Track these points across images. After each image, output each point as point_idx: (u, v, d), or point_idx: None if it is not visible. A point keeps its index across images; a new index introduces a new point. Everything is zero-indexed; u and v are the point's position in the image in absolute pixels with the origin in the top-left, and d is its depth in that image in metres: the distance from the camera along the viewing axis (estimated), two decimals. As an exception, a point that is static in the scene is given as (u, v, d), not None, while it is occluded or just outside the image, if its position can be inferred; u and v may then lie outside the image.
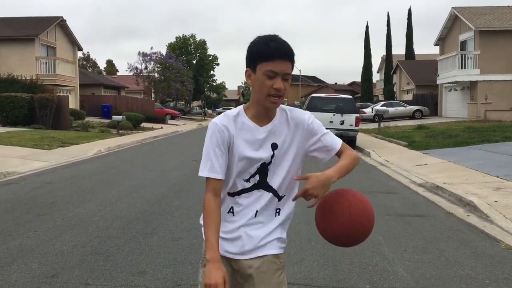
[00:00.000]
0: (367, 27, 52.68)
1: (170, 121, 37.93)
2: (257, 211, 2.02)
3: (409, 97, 41.16)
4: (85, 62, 78.09)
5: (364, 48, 52.52)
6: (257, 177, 2.02)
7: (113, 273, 4.20)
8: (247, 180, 2.02)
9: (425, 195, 8.19)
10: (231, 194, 2.04)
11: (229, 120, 2.03)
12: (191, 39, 62.59)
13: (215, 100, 78.51)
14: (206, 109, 60.29)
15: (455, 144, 14.79)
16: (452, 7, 31.77)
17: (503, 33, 27.90)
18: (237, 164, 2.00)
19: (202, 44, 63.18)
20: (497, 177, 9.07)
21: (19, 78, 24.87)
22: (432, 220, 6.36)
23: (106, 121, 27.44)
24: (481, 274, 4.28)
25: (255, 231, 2.02)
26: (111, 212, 6.58)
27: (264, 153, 2.00)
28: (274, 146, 2.01)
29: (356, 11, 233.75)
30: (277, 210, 2.07)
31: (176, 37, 62.60)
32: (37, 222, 6.01)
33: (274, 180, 2.03)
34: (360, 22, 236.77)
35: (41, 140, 16.14)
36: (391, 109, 33.15)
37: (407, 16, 48.84)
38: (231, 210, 2.05)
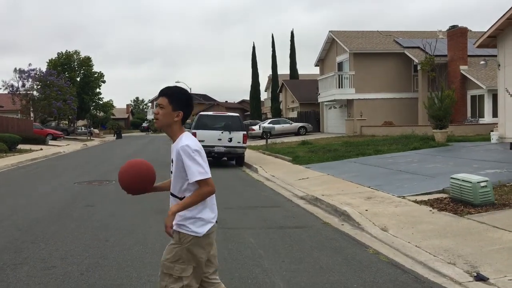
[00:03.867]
0: (253, 47, 54.49)
1: (51, 142, 35.52)
2: None
3: (295, 114, 43.24)
4: (-50, 79, 70.35)
5: (252, 67, 54.15)
6: None
7: (-27, 310, 3.82)
8: None
9: (305, 207, 8.63)
10: None
11: None
12: (74, 55, 59.51)
13: (103, 118, 75.27)
14: (92, 128, 57.49)
15: (334, 158, 15.82)
16: (329, 31, 34.19)
17: (374, 56, 30.66)
18: None
19: (87, 61, 60.37)
20: (369, 187, 9.87)
21: None
22: (310, 230, 6.72)
23: (-24, 143, 24.88)
24: (350, 279, 4.62)
25: None
26: (-25, 243, 5.97)
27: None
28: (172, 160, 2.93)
29: (245, 32, 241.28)
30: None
31: (58, 53, 59.04)
32: None
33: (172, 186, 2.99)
34: (249, 42, 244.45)
35: None
36: (277, 126, 34.52)
37: (290, 38, 51.54)
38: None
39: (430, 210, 7.41)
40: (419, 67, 28.08)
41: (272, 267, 4.96)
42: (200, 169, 2.77)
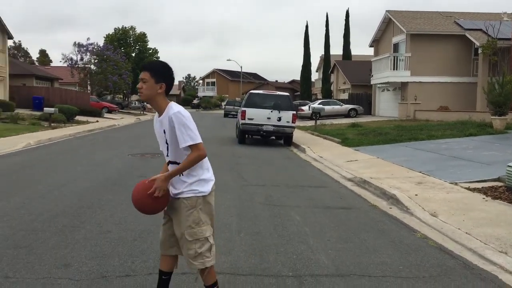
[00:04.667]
0: (307, 26, 53.89)
1: (106, 115, 36.83)
2: None
3: (345, 96, 42.53)
4: (16, 52, 74.09)
5: (304, 47, 53.61)
6: None
7: (36, 266, 4.11)
8: None
9: (353, 189, 8.57)
10: None
11: None
12: (130, 31, 61.02)
13: (155, 94, 76.99)
14: (145, 103, 59.06)
15: (385, 141, 15.51)
16: (386, 11, 33.15)
17: (433, 37, 29.49)
18: None
19: (142, 37, 61.78)
20: (420, 172, 9.64)
21: None
22: (357, 212, 6.69)
23: (38, 113, 26.21)
24: (397, 261, 4.59)
25: None
26: (38, 205, 6.37)
27: None
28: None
29: (297, 10, 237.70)
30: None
31: (115, 28, 60.79)
32: (-45, 216, 5.72)
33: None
34: (301, 21, 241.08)
35: (-36, 131, 15.21)
36: (327, 107, 34.11)
37: (344, 18, 50.39)
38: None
39: (484, 198, 7.17)
40: (480, 51, 26.75)
41: (318, 245, 5.00)
42: (191, 134, 2.95)
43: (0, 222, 5.49)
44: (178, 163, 3.05)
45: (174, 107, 3.02)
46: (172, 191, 3.13)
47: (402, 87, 30.64)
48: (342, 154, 13.54)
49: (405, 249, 4.99)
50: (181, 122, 2.94)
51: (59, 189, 7.55)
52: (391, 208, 6.99)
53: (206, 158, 3.10)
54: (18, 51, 77.41)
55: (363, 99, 37.85)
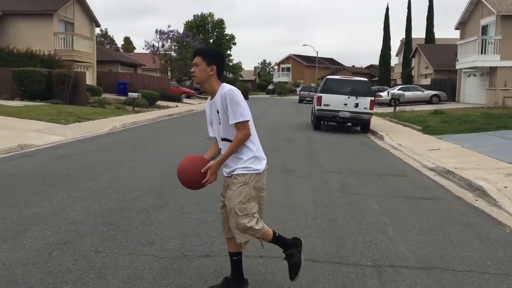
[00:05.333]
0: (387, 9, 51.83)
1: (185, 100, 38.06)
2: None
3: (427, 81, 40.60)
4: (102, 39, 78.35)
5: (384, 30, 51.72)
6: None
7: (123, 242, 4.35)
8: None
9: (435, 179, 8.20)
10: None
11: None
12: (209, 18, 62.32)
13: (231, 80, 78.15)
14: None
15: (471, 130, 14.64)
16: (474, -10, 31.02)
17: (527, 18, 27.22)
18: None
19: (219, 23, 62.88)
20: (510, 163, 9.01)
21: (37, 53, 25.10)
22: (439, 203, 6.39)
23: (122, 98, 27.65)
24: (483, 256, 4.33)
25: None
26: (124, 185, 6.75)
27: None
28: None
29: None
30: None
31: (194, 15, 62.44)
32: (52, 193, 6.21)
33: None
34: (380, 4, 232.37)
35: (58, 114, 16.42)
36: (407, 93, 32.72)
37: (428, -1, 47.83)
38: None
39: None
40: None
41: (397, 236, 4.85)
42: (242, 111, 3.05)
43: (91, 200, 5.88)
44: (230, 140, 3.15)
45: (227, 86, 3.14)
46: (226, 170, 3.25)
47: (490, 72, 28.68)
48: (423, 142, 12.98)
49: (492, 243, 4.70)
50: (234, 99, 3.05)
51: (143, 170, 7.94)
52: (477, 200, 6.61)
53: (257, 137, 3.23)
54: (105, 38, 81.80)
55: (446, 85, 35.91)
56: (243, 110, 3.06)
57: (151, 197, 6.12)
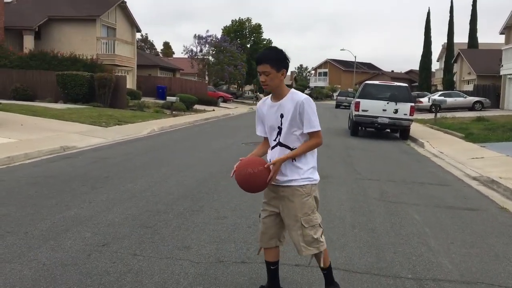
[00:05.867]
0: (428, 13, 50.77)
1: (222, 104, 38.36)
2: None
3: (470, 87, 39.41)
4: (142, 44, 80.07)
5: (424, 35, 50.56)
6: None
7: (160, 246, 4.37)
8: None
9: (479, 188, 7.90)
10: None
11: None
12: (246, 23, 62.60)
13: (268, 84, 78.41)
14: (258, 93, 60.34)
15: (516, 138, 14.08)
16: (521, -7, 29.94)
17: None
18: None
19: (257, 28, 63.09)
20: (559, 174, 8.58)
21: (80, 57, 25.89)
22: (483, 214, 6.14)
23: (161, 102, 28.13)
24: (533, 272, 4.11)
25: None
26: (161, 188, 6.81)
27: None
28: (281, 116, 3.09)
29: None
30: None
31: (232, 20, 62.83)
32: (91, 194, 6.33)
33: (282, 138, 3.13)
34: (420, 8, 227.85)
35: (99, 117, 16.84)
36: (449, 100, 31.84)
37: (471, 3, 46.48)
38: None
39: None
40: None
41: (439, 247, 4.67)
42: (316, 121, 3.04)
43: (129, 202, 5.96)
44: (288, 147, 3.09)
45: (300, 94, 3.08)
46: (281, 178, 3.10)
47: (537, 78, 27.57)
48: (465, 150, 12.57)
49: (542, 259, 4.45)
50: (311, 108, 3.02)
51: (180, 174, 8.00)
52: (524, 212, 6.31)
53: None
54: (145, 43, 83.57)
55: (490, 91, 34.76)
56: (316, 119, 3.06)
57: (187, 201, 6.14)
